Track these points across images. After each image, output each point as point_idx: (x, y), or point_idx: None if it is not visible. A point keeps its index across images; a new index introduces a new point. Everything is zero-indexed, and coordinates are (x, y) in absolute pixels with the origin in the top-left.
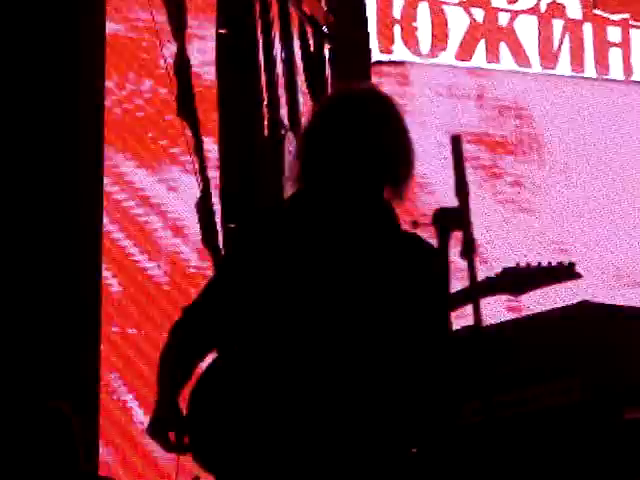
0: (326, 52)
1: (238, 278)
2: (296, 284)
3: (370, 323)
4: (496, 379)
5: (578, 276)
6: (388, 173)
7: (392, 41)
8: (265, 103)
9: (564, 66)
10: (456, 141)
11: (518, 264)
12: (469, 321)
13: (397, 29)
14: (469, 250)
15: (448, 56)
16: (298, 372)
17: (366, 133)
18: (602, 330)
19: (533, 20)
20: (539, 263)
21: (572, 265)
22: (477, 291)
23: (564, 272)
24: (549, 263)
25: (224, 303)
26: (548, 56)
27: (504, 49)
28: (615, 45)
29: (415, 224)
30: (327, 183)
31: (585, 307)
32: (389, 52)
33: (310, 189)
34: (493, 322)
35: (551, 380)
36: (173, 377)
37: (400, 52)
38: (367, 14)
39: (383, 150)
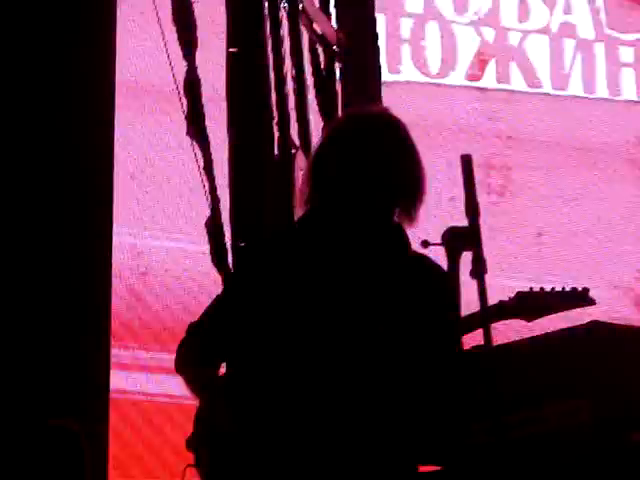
0: (337, 71)
1: (246, 299)
2: (307, 306)
3: (381, 345)
4: (505, 399)
5: (592, 302)
6: (400, 198)
7: (400, 61)
8: (275, 121)
9: (576, 87)
10: (466, 161)
11: (532, 288)
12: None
13: (405, 48)
14: (479, 270)
15: (458, 76)
16: (308, 394)
17: (378, 158)
18: (612, 351)
19: (544, 40)
20: (553, 288)
21: (586, 291)
22: (489, 315)
23: (578, 297)
24: (563, 288)
25: (230, 323)
26: (559, 77)
27: (514, 69)
28: (627, 65)
29: (426, 244)
30: (338, 206)
31: (595, 327)
32: (397, 72)
33: (321, 212)
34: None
35: (560, 401)
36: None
37: (409, 72)
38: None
39: (395, 175)
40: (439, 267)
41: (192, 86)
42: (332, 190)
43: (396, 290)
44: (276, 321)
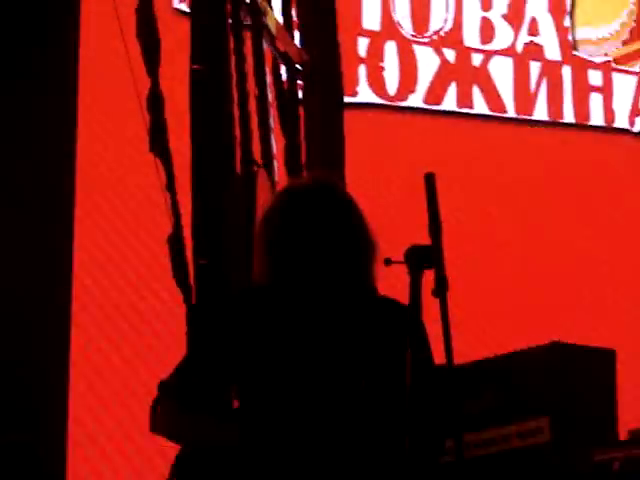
0: (299, 91)
1: (210, 355)
2: (275, 358)
3: (350, 386)
4: (466, 418)
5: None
6: (353, 259)
7: (357, 82)
8: (238, 139)
9: (541, 111)
10: (429, 180)
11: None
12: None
13: (362, 69)
14: (441, 288)
15: (416, 99)
16: (284, 439)
17: (329, 225)
18: (572, 371)
19: (508, 62)
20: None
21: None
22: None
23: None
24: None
25: (199, 379)
26: (524, 100)
27: (477, 92)
28: (596, 90)
29: (388, 262)
30: (296, 274)
31: (555, 348)
32: (354, 94)
33: (278, 280)
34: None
35: (521, 420)
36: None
37: (365, 94)
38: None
39: (348, 238)
40: (403, 305)
41: (155, 102)
42: (285, 262)
43: (360, 333)
44: (245, 377)
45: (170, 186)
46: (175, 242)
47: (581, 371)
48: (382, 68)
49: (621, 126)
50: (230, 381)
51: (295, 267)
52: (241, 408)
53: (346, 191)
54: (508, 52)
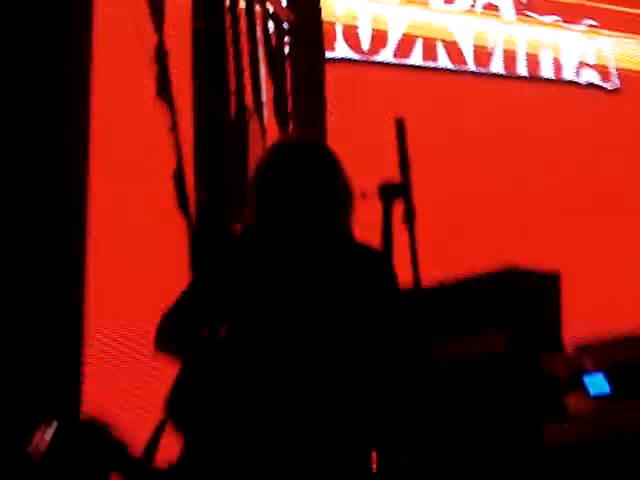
0: (286, 46)
1: (206, 290)
2: (260, 297)
3: (324, 327)
4: (432, 332)
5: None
6: (332, 208)
7: (335, 39)
8: (233, 89)
9: (497, 65)
10: (399, 124)
11: None
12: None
13: (339, 27)
14: (409, 216)
15: (387, 54)
16: (263, 375)
17: (308, 182)
18: (522, 291)
19: (469, 21)
20: None
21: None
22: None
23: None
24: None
25: (198, 308)
26: (482, 55)
27: (440, 48)
28: (546, 46)
29: (364, 195)
30: (283, 218)
31: (510, 271)
32: (332, 49)
33: (266, 223)
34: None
35: (479, 333)
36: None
37: (342, 49)
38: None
39: (324, 193)
40: (376, 250)
41: (161, 55)
42: (276, 207)
43: (337, 276)
44: (235, 310)
45: (174, 128)
46: (178, 177)
47: (531, 292)
48: (356, 27)
49: (568, 78)
50: (217, 312)
51: (281, 213)
52: (226, 336)
53: (329, 150)
54: (469, 12)
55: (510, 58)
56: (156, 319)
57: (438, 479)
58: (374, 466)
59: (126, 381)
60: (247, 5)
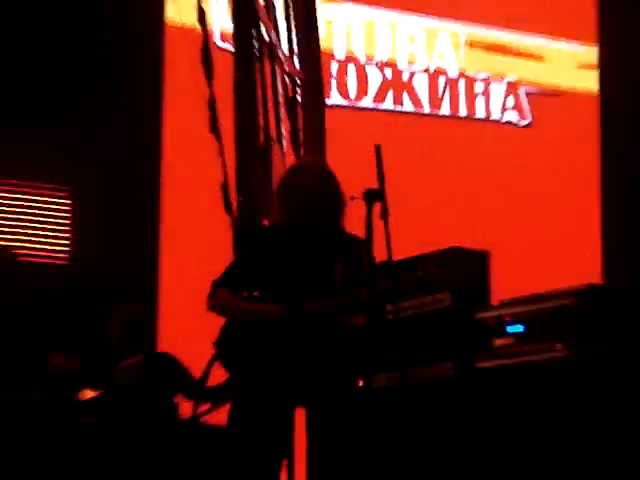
0: (298, 95)
1: (243, 268)
2: (277, 271)
3: (319, 288)
4: (395, 293)
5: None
6: (331, 213)
7: (330, 90)
8: (261, 125)
9: (445, 109)
10: (377, 149)
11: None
12: None
13: (334, 82)
14: (384, 214)
15: (368, 101)
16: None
17: (324, 193)
18: (462, 264)
19: (425, 77)
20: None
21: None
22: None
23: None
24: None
25: (237, 280)
26: (435, 102)
27: (406, 97)
28: (480, 95)
29: (352, 198)
30: (297, 220)
31: (452, 250)
32: (329, 97)
33: (291, 219)
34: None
35: (431, 294)
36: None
37: (335, 98)
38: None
39: (325, 203)
40: (358, 237)
41: (212, 104)
42: (298, 208)
43: (329, 257)
44: (261, 276)
45: (221, 154)
46: (224, 188)
47: (467, 265)
48: (346, 81)
49: (495, 118)
50: (251, 281)
51: (296, 216)
52: (259, 296)
53: (330, 169)
54: (425, 71)
55: (454, 103)
56: (209, 284)
57: (402, 397)
58: (359, 384)
59: (191, 326)
60: (272, 67)
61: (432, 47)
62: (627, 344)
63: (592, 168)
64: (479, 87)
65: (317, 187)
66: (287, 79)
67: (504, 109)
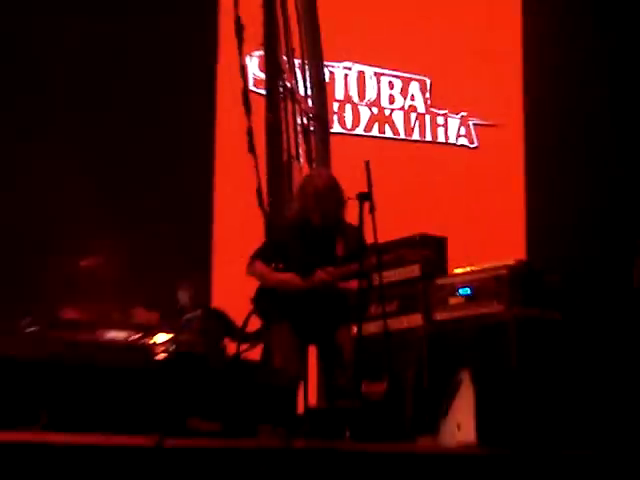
0: (311, 126)
1: (274, 248)
2: (295, 250)
3: (325, 262)
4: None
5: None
6: (337, 210)
7: (332, 122)
8: (285, 147)
9: (416, 135)
10: (367, 164)
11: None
12: None
13: (335, 117)
14: (372, 210)
15: (360, 130)
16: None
17: (328, 196)
18: (424, 243)
19: (401, 113)
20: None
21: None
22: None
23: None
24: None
25: (268, 255)
26: (408, 130)
27: (387, 127)
28: (441, 126)
29: (349, 198)
30: (312, 215)
31: (421, 237)
32: (331, 127)
33: (305, 217)
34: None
35: (403, 266)
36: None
37: (336, 127)
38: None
39: (334, 203)
40: (353, 225)
41: (250, 131)
42: (308, 208)
43: (333, 239)
44: (283, 254)
45: (257, 168)
46: (259, 191)
47: (431, 246)
48: (344, 116)
49: (452, 142)
50: (277, 257)
51: (310, 213)
52: (282, 267)
53: (334, 177)
54: (401, 108)
55: (422, 131)
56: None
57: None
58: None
59: (236, 289)
60: (292, 105)
61: (406, 91)
62: (543, 302)
63: (519, 176)
64: (440, 120)
65: (324, 190)
66: (303, 114)
67: (458, 136)
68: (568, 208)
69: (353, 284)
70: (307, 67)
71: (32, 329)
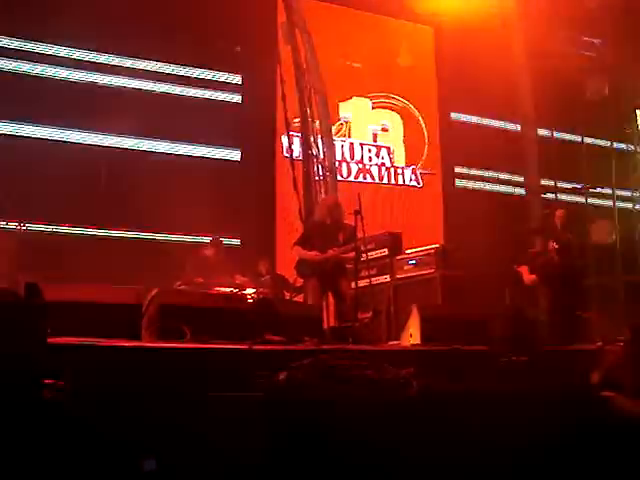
0: (326, 174)
1: (306, 238)
2: (318, 239)
3: (333, 244)
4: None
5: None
6: (340, 218)
7: (337, 172)
8: (312, 185)
9: (385, 180)
10: (358, 195)
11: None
12: None
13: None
14: (361, 220)
15: (351, 177)
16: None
17: (336, 209)
18: (390, 237)
19: (376, 167)
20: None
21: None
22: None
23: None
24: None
25: (303, 242)
26: (381, 177)
27: (368, 176)
28: (400, 174)
29: (346, 212)
30: (327, 220)
31: (389, 234)
32: (336, 176)
33: (322, 220)
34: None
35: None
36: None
37: (339, 176)
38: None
39: (339, 216)
40: (351, 225)
41: (294, 179)
42: (324, 216)
43: (338, 233)
44: (312, 242)
45: (298, 198)
46: (300, 210)
47: (392, 239)
48: (342, 170)
49: (407, 183)
50: (309, 243)
51: (325, 219)
52: (312, 250)
53: (338, 201)
54: (376, 165)
55: (389, 178)
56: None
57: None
58: None
59: (288, 262)
60: (316, 160)
61: (379, 154)
62: (452, 266)
63: (440, 204)
64: (399, 170)
65: (333, 207)
66: (322, 167)
67: (411, 180)
68: (469, 217)
69: (350, 256)
70: (323, 139)
71: (182, 288)
